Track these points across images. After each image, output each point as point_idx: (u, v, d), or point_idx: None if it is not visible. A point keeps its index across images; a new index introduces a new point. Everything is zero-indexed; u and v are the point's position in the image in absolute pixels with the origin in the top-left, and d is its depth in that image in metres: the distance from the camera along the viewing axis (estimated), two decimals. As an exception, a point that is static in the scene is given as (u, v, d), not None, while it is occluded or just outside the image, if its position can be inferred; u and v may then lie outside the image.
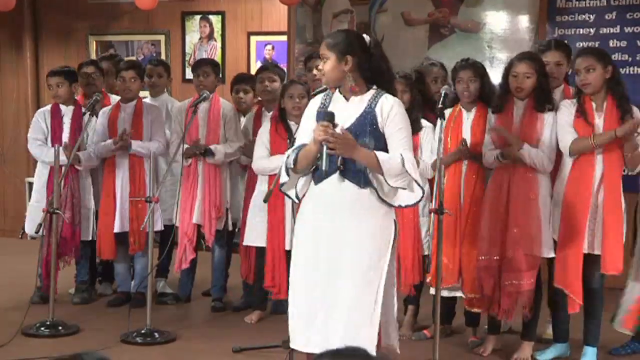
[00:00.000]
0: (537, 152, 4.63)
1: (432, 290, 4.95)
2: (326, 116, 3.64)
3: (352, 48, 3.72)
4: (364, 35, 3.82)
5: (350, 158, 3.64)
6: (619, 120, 4.50)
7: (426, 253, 5.09)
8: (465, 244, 4.86)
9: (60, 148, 5.52)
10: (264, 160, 5.43)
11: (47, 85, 5.99)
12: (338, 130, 3.61)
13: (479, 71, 4.96)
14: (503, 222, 4.69)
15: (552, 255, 4.70)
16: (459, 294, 5.01)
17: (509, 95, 4.78)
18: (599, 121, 4.56)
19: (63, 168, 5.39)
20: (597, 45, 6.58)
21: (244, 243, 5.65)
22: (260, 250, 5.54)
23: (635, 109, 4.56)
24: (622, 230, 4.56)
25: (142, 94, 6.16)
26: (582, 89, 4.60)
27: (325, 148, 3.56)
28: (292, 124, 5.37)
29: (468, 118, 4.96)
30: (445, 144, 4.91)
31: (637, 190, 5.01)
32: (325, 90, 3.94)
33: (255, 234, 5.53)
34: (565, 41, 5.46)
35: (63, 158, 5.47)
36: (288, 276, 5.33)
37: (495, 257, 4.70)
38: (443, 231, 4.35)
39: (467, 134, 4.92)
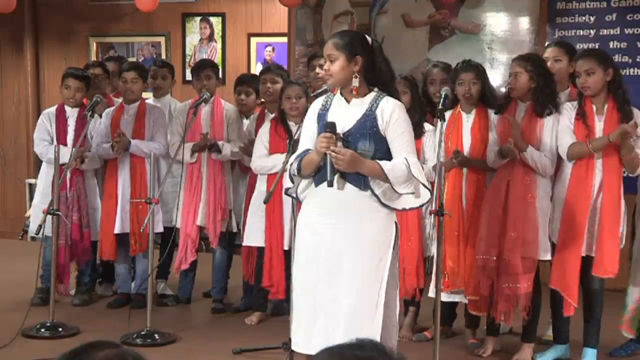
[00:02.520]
0: (540, 156, 4.63)
1: (430, 292, 4.97)
2: (327, 127, 3.64)
3: (361, 49, 3.72)
4: (367, 37, 3.83)
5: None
6: (619, 123, 4.49)
7: (428, 254, 5.08)
8: (467, 247, 4.85)
9: (63, 148, 5.52)
10: (262, 159, 5.45)
11: (64, 85, 5.87)
12: (340, 145, 3.61)
13: (481, 73, 4.93)
14: (501, 224, 4.69)
15: (548, 257, 4.71)
16: (457, 298, 4.99)
17: (511, 98, 4.79)
18: (599, 124, 4.55)
19: (65, 169, 5.40)
20: (597, 47, 6.59)
21: (244, 243, 5.66)
22: (261, 251, 5.55)
23: (636, 111, 4.56)
24: (618, 233, 4.55)
25: (144, 95, 6.16)
26: (582, 92, 4.59)
27: (329, 159, 3.57)
28: (291, 124, 5.40)
29: (468, 120, 4.94)
30: (447, 146, 4.89)
31: (636, 191, 5.02)
32: (326, 92, 3.93)
33: (254, 234, 5.54)
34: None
35: (64, 160, 5.45)
36: (286, 276, 5.40)
37: (493, 258, 4.70)
38: (443, 232, 4.34)
39: (467, 137, 4.91)
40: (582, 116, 4.57)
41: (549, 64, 4.92)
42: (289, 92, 5.39)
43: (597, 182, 4.55)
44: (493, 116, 4.87)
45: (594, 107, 4.58)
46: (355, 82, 3.71)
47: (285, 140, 5.37)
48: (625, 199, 4.64)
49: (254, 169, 5.54)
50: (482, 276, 4.74)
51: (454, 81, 4.94)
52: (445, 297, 4.90)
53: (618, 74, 4.59)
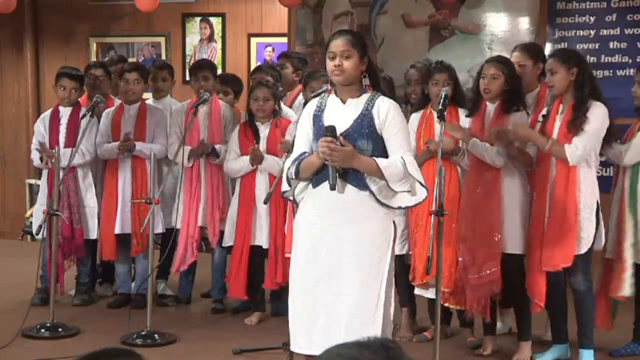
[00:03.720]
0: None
1: (417, 291, 5.06)
2: (328, 130, 3.64)
3: (367, 48, 3.79)
4: None
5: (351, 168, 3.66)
6: (568, 123, 4.51)
7: (401, 253, 5.08)
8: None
9: (58, 150, 5.52)
10: (230, 161, 5.56)
11: (58, 85, 5.86)
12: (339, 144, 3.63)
13: (453, 75, 5.00)
14: (472, 221, 4.77)
15: (516, 251, 4.74)
16: (428, 294, 4.97)
17: (481, 99, 4.84)
18: (558, 124, 4.60)
19: (67, 167, 5.41)
20: (597, 47, 6.61)
21: (223, 244, 5.72)
22: (255, 250, 5.58)
23: (595, 108, 4.51)
24: (568, 228, 4.50)
25: (144, 95, 6.15)
26: (550, 90, 4.69)
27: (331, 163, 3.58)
28: (258, 124, 5.51)
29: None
30: (418, 145, 4.98)
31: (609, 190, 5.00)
32: (325, 91, 3.94)
33: (230, 235, 5.62)
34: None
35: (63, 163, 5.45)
36: (248, 276, 5.43)
37: (469, 258, 4.76)
38: (443, 233, 4.34)
39: (438, 136, 4.91)
40: (545, 117, 4.66)
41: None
42: (257, 93, 5.48)
43: (551, 180, 4.58)
44: (463, 119, 4.93)
45: (561, 107, 4.63)
46: (366, 81, 3.76)
47: (252, 141, 5.50)
48: (601, 198, 4.64)
49: (225, 171, 5.68)
50: (464, 276, 4.79)
51: (427, 81, 5.01)
52: (417, 291, 5.04)
53: (584, 73, 4.59)
